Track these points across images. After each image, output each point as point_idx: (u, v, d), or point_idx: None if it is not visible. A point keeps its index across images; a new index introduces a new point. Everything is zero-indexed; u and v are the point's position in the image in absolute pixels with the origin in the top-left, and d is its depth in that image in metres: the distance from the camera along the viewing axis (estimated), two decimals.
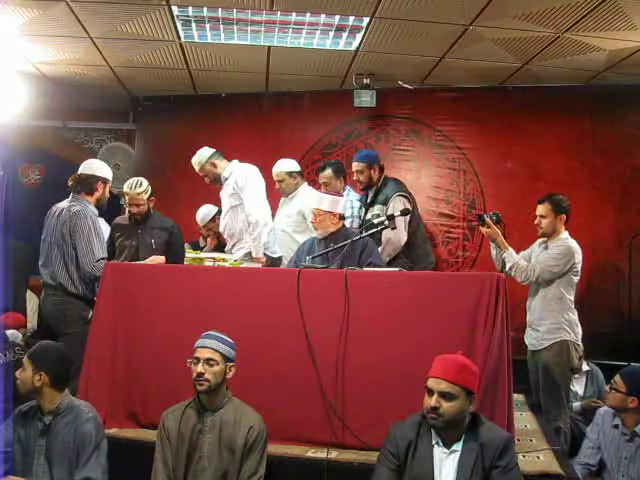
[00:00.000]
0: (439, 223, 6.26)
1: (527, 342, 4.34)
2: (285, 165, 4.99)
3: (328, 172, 5.10)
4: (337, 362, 3.36)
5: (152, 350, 3.59)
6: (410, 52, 5.38)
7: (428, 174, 6.33)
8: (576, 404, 4.70)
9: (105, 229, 4.59)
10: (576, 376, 4.63)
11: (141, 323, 3.63)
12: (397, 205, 4.74)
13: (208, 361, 2.90)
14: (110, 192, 4.44)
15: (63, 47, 5.36)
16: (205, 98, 6.69)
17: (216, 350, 2.93)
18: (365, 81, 5.95)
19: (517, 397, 4.26)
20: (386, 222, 3.99)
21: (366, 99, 5.95)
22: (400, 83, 6.13)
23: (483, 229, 4.29)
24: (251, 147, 6.07)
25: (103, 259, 4.04)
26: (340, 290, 3.39)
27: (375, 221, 4.13)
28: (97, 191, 4.24)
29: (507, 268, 4.20)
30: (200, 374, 2.88)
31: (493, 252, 4.37)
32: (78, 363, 3.41)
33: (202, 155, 4.75)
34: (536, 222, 4.28)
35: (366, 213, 4.95)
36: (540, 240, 4.37)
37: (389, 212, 4.72)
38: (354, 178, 4.99)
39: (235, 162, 4.81)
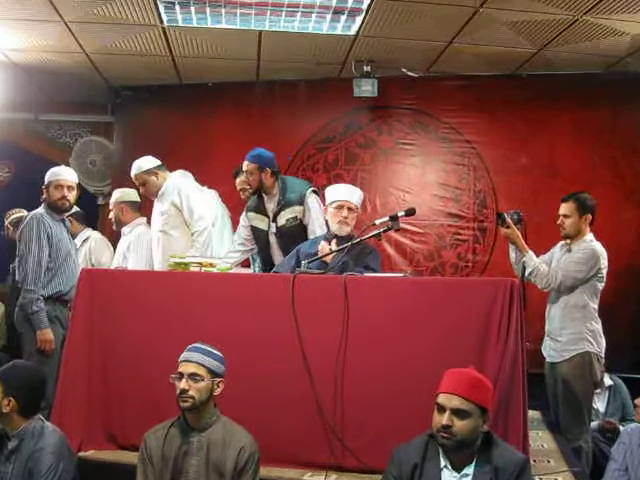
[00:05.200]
0: (447, 224, 6.26)
1: (545, 353, 4.34)
2: (139, 166, 4.90)
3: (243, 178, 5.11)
4: (335, 376, 3.34)
5: (133, 364, 3.57)
6: (415, 37, 5.38)
7: (434, 170, 6.33)
8: (593, 423, 4.69)
9: None
10: (597, 391, 4.62)
11: (121, 335, 3.61)
12: (313, 202, 4.71)
13: (193, 376, 2.88)
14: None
15: (34, 32, 5.34)
16: (190, 88, 6.68)
17: (201, 364, 2.90)
18: (365, 69, 5.95)
19: (533, 414, 4.25)
20: (390, 223, 3.97)
21: (367, 88, 5.94)
22: (404, 71, 6.13)
23: (503, 229, 4.29)
24: (241, 141, 6.06)
25: (32, 291, 4.26)
26: (339, 297, 3.38)
27: (377, 222, 4.11)
28: (43, 196, 4.53)
29: (527, 273, 4.19)
30: (184, 390, 2.86)
31: (512, 255, 4.36)
32: (31, 363, 3.47)
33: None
34: (559, 222, 4.28)
35: (275, 219, 4.78)
36: (562, 242, 4.36)
37: (309, 210, 4.70)
38: (242, 178, 4.89)
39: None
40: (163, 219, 4.84)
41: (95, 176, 7.08)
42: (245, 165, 4.79)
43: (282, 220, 4.74)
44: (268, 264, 4.83)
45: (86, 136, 7.26)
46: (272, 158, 4.83)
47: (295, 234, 4.68)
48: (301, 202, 4.72)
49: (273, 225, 4.78)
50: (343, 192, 4.26)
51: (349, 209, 4.17)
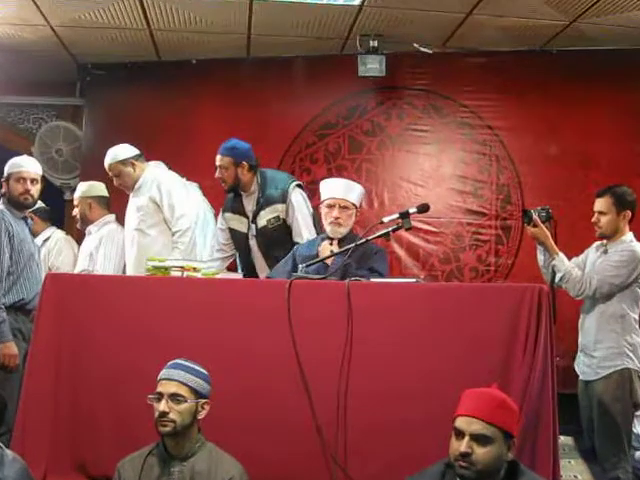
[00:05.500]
0: (465, 222, 6.26)
1: (578, 371, 4.34)
2: (114, 154, 4.97)
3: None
4: (338, 397, 3.35)
5: (105, 383, 3.56)
6: (429, 7, 5.39)
7: (451, 160, 6.34)
8: (638, 453, 4.69)
9: None
10: (638, 413, 4.62)
11: (92, 349, 3.61)
12: (297, 198, 4.74)
13: (174, 397, 2.88)
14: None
15: None
16: (171, 66, 6.69)
17: (184, 383, 2.90)
18: (372, 44, 5.96)
19: (565, 440, 4.26)
20: (400, 221, 3.97)
21: (373, 66, 5.95)
22: (416, 46, 6.13)
23: (529, 228, 4.30)
24: (229, 126, 6.07)
25: None
26: (342, 306, 3.38)
27: (385, 220, 4.12)
28: (2, 190, 4.56)
29: (557, 278, 4.20)
30: (163, 413, 2.86)
31: (540, 258, 4.36)
32: None
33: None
34: (593, 220, 4.28)
35: (254, 219, 4.82)
36: (597, 243, 4.37)
37: (292, 207, 4.72)
38: (216, 175, 4.86)
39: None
40: (139, 216, 4.86)
41: (61, 167, 7.07)
42: (218, 159, 4.80)
43: (262, 221, 4.76)
44: (250, 272, 4.84)
45: (51, 121, 7.26)
46: (249, 150, 4.84)
47: (279, 236, 4.70)
48: (284, 199, 4.73)
49: (253, 227, 4.80)
50: (335, 188, 4.27)
51: (342, 207, 4.19)
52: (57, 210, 6.30)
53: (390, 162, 6.39)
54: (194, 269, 3.89)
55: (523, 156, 6.22)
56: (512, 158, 6.23)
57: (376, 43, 5.95)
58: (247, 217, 4.83)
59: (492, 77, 6.26)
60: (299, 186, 4.83)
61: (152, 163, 5.08)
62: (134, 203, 4.95)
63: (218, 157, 4.80)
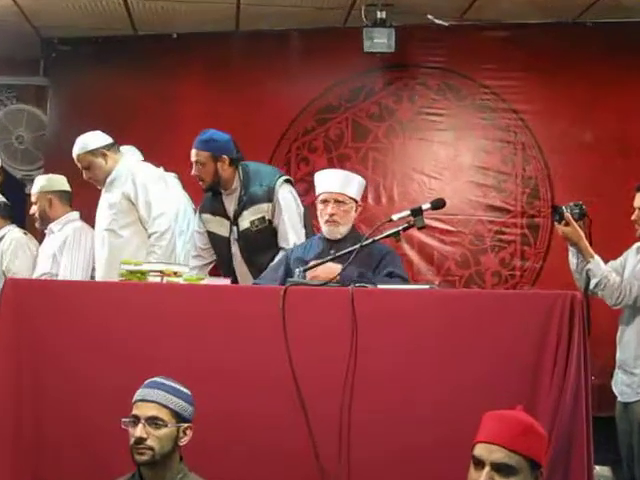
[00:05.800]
0: (487, 220, 6.27)
1: (616, 391, 4.34)
2: (84, 144, 4.99)
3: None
4: (340, 419, 3.34)
5: (73, 403, 3.56)
6: None
7: (470, 149, 6.35)
8: None
9: None
10: None
11: (57, 365, 3.60)
12: (285, 195, 4.76)
13: (152, 421, 2.87)
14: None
15: None
16: (149, 40, 6.71)
17: (164, 405, 2.89)
18: (379, 15, 5.96)
19: (601, 470, 4.25)
20: (411, 219, 3.97)
21: (381, 41, 5.95)
22: (430, 18, 6.13)
23: (560, 227, 4.29)
24: (214, 111, 6.09)
25: None
26: (345, 316, 3.38)
27: (395, 217, 4.12)
28: None
29: (592, 285, 4.19)
30: (140, 439, 2.84)
31: (572, 261, 4.36)
32: None
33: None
34: (633, 218, 4.29)
35: (236, 221, 4.85)
36: (638, 244, 4.37)
37: (280, 208, 4.73)
38: (193, 172, 4.87)
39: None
40: (111, 214, 4.87)
41: (22, 156, 7.08)
42: (194, 154, 4.80)
43: (245, 222, 4.78)
44: (233, 282, 4.83)
45: (11, 104, 7.26)
46: (229, 141, 4.86)
47: (263, 239, 4.72)
48: (269, 197, 4.75)
49: (235, 229, 4.81)
50: (329, 181, 4.27)
51: (338, 203, 4.18)
52: (18, 206, 6.29)
53: (400, 151, 6.40)
54: (175, 274, 3.89)
55: (552, 144, 6.22)
56: (540, 146, 6.24)
57: (384, 14, 5.94)
58: (228, 219, 4.84)
59: (516, 53, 6.27)
60: (288, 182, 4.83)
61: (123, 148, 5.07)
62: (106, 199, 4.95)
63: (193, 152, 4.80)
